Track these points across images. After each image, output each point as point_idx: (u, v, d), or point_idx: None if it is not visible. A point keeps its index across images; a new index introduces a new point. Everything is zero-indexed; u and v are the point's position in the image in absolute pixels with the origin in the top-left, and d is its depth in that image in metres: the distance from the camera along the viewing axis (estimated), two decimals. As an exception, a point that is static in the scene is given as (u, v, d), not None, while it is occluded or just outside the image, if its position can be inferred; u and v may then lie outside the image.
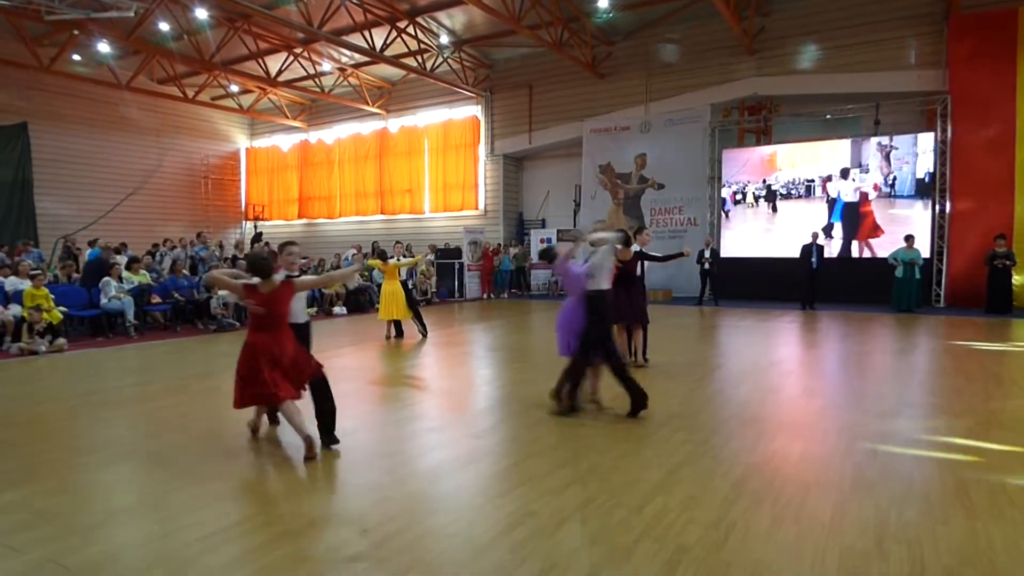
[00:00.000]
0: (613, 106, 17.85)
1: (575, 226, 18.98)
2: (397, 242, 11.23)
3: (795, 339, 9.96)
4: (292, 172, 24.17)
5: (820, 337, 10.11)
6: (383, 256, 10.18)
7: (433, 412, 5.60)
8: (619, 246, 5.78)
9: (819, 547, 2.85)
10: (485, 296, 18.44)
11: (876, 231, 14.60)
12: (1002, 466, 3.90)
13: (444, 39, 17.42)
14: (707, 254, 14.81)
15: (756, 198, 16.04)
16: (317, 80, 19.76)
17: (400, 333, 9.94)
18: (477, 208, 20.54)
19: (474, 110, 20.32)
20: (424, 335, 9.92)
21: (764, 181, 15.92)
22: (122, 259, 12.22)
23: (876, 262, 14.06)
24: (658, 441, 4.46)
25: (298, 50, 17.92)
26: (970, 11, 13.57)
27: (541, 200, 20.26)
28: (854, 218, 14.85)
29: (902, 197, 14.43)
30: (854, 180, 14.82)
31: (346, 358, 8.49)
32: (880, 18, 14.47)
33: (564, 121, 18.59)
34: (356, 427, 5.01)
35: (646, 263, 7.47)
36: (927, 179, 14.06)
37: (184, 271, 12.86)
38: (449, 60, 18.34)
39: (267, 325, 4.18)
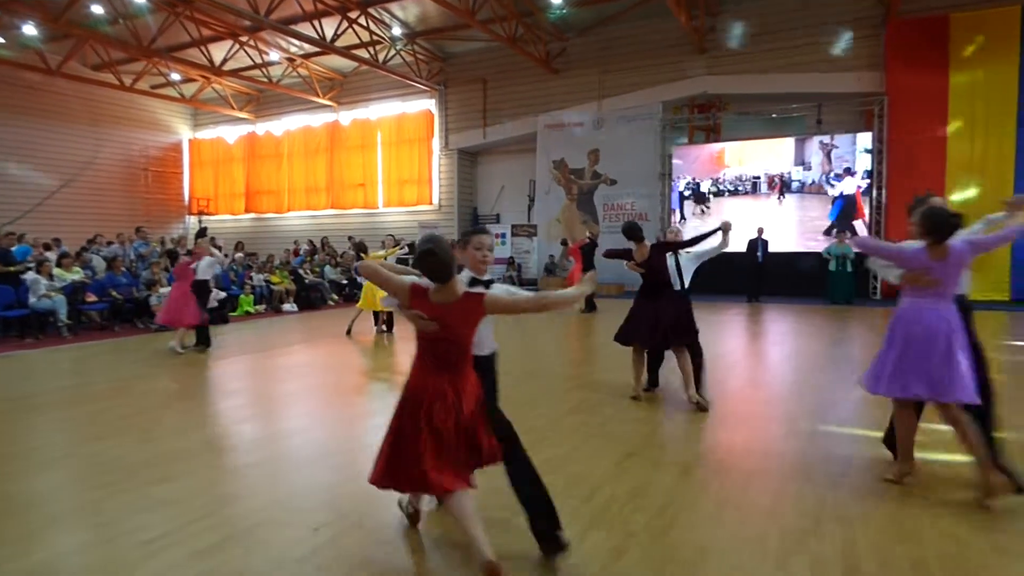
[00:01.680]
0: (567, 102, 17.98)
1: (529, 220, 19.09)
2: (389, 235, 11.18)
3: (741, 331, 10.28)
4: (239, 165, 23.48)
5: (764, 329, 10.46)
6: (363, 249, 10.13)
7: (388, 409, 5.54)
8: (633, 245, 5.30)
9: (760, 529, 2.97)
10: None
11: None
12: (932, 446, 4.13)
13: (397, 31, 17.20)
14: (658, 249, 15.08)
15: (709, 194, 16.43)
16: (265, 70, 19.23)
17: (390, 327, 9.87)
18: (431, 203, 20.41)
19: (428, 104, 20.15)
20: (389, 331, 9.87)
21: (693, 179, 16.31)
22: (53, 255, 11.66)
23: (816, 256, 14.59)
24: (608, 433, 4.54)
25: (244, 38, 17.39)
26: (906, 17, 14.19)
27: (495, 195, 20.27)
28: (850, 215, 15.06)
29: (846, 194, 15.01)
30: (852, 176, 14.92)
31: (297, 355, 8.35)
32: (822, 21, 14.98)
33: (518, 116, 18.63)
34: (308, 425, 4.94)
35: (684, 261, 5.62)
36: (865, 177, 14.68)
37: (123, 268, 12.37)
38: (402, 52, 18.13)
39: (443, 360, 2.68)
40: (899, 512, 3.16)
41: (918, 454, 3.77)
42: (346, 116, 21.24)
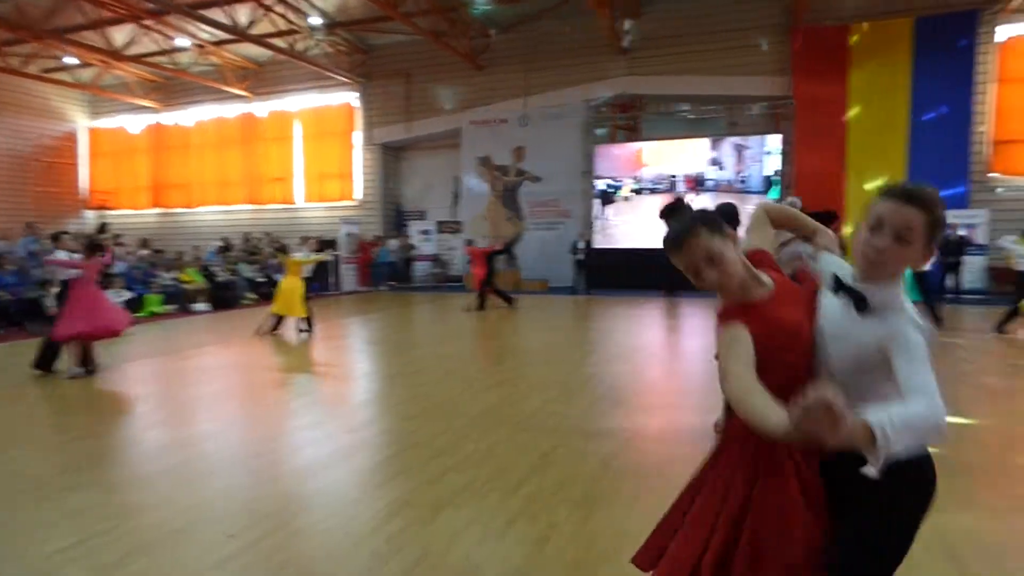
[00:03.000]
0: (492, 98, 18.02)
1: (454, 217, 19.02)
2: (312, 238, 10.54)
3: (659, 325, 10.66)
4: (144, 156, 22.11)
5: (680, 322, 10.89)
6: (284, 250, 9.68)
7: (308, 409, 5.41)
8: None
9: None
10: (362, 289, 17.99)
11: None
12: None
13: (316, 20, 16.68)
14: (580, 245, 15.42)
15: (629, 191, 16.91)
16: (171, 56, 18.19)
17: (275, 328, 9.38)
18: (353, 198, 19.97)
19: (349, 97, 19.68)
20: (309, 332, 9.45)
21: (628, 177, 16.81)
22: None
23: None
24: (532, 425, 4.61)
25: (147, 22, 16.37)
26: (810, 25, 15.10)
27: (420, 191, 20.07)
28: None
29: (752, 193, 15.83)
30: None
31: (211, 356, 7.97)
32: (736, 26, 15.70)
33: (443, 112, 18.51)
34: (222, 428, 4.74)
35: None
36: (774, 177, 15.54)
37: (11, 266, 11.40)
38: (321, 43, 17.61)
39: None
40: (801, 491, 3.37)
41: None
42: (262, 107, 20.43)
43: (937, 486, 1.51)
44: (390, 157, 20.00)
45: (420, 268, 18.79)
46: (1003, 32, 14.20)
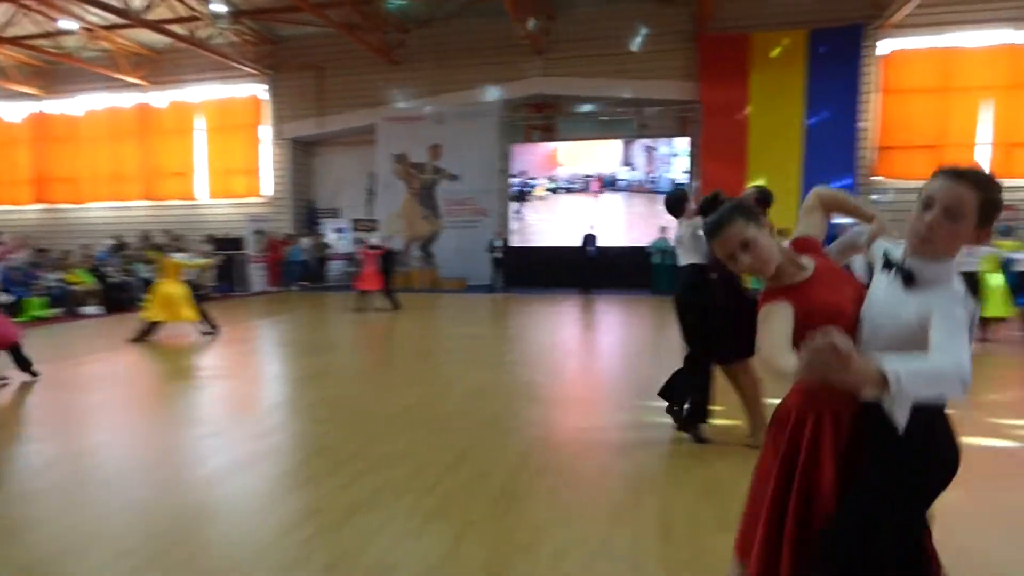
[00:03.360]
0: (408, 95, 17.76)
1: (369, 215, 18.62)
2: (175, 237, 9.70)
3: (575, 322, 10.87)
4: (24, 147, 20.28)
5: (595, 320, 11.16)
6: (160, 249, 8.89)
7: (211, 416, 5.13)
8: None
9: (589, 505, 3.16)
10: (273, 289, 17.29)
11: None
12: (738, 421, 4.66)
13: (219, 7, 15.82)
14: (498, 243, 15.49)
15: (544, 191, 17.12)
16: (56, 40, 16.75)
17: (148, 334, 8.48)
18: (262, 195, 19.14)
19: (257, 89, 18.84)
20: (214, 334, 8.92)
21: (516, 176, 17.05)
22: None
23: (640, 251, 15.83)
24: (451, 425, 4.58)
25: (27, 1, 14.99)
26: (714, 33, 15.84)
27: (333, 188, 19.52)
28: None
29: (662, 193, 16.42)
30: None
31: (104, 362, 7.40)
32: (647, 31, 16.23)
33: (357, 107, 18.06)
34: (116, 439, 4.41)
35: None
36: (684, 177, 16.20)
37: None
38: (226, 31, 16.75)
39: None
40: (707, 475, 3.53)
41: (725, 421, 4.25)
42: (160, 97, 19.21)
43: (954, 470, 1.55)
44: (301, 153, 19.33)
45: (334, 268, 18.25)
46: (885, 46, 15.46)
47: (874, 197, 15.33)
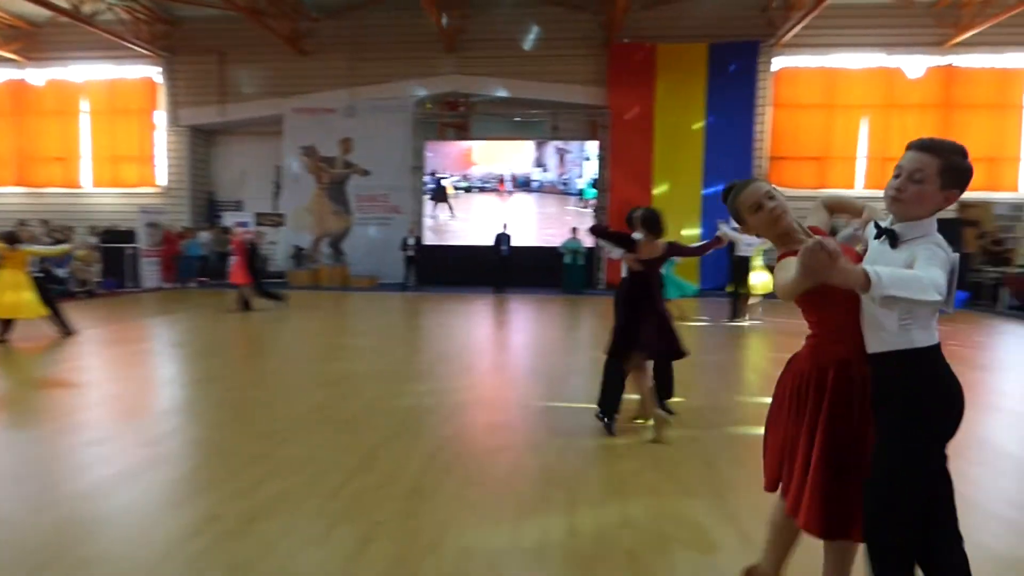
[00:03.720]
0: (317, 86, 17.19)
1: (275, 209, 17.89)
2: (22, 223, 8.61)
3: (487, 321, 10.93)
4: None
5: (508, 318, 11.27)
6: (12, 239, 7.90)
7: (95, 422, 4.74)
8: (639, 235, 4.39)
9: (497, 502, 3.19)
10: (168, 286, 16.23)
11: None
12: (637, 411, 4.85)
13: (107, -19, 14.72)
14: (411, 241, 15.31)
15: (456, 189, 17.08)
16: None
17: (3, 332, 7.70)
18: (156, 185, 17.95)
19: (150, 71, 17.63)
20: (67, 335, 8.12)
21: (432, 174, 16.98)
22: None
23: (552, 250, 16.12)
24: (357, 426, 4.48)
25: None
26: (622, 42, 16.38)
27: (237, 180, 18.59)
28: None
29: (573, 195, 16.83)
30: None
31: (-35, 366, 6.69)
32: (560, 36, 16.55)
33: (263, 96, 17.30)
34: (-22, 451, 4.00)
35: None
36: (592, 180, 16.64)
37: None
38: (115, 7, 15.55)
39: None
40: (610, 472, 3.66)
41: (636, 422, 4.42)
42: (37, 75, 17.59)
43: (959, 409, 1.80)
44: (200, 141, 18.29)
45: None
46: (778, 63, 16.56)
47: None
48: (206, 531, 2.84)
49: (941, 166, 1.70)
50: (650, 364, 4.50)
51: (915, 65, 16.26)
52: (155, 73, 17.61)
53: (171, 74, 17.61)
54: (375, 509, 3.08)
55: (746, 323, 9.86)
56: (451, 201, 17.05)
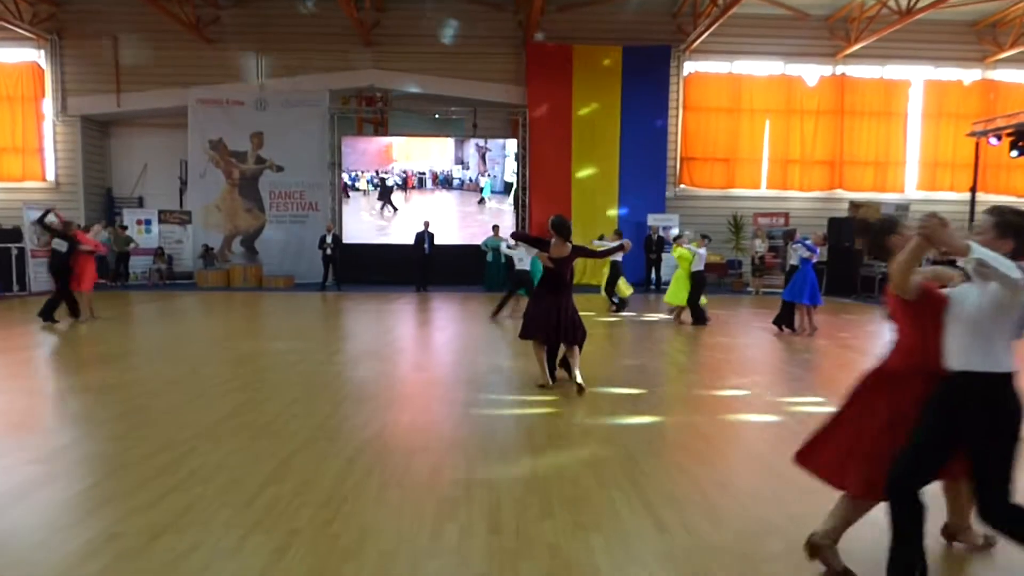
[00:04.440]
0: (224, 77, 16.39)
1: (181, 206, 16.94)
2: None
3: (409, 319, 10.80)
4: None
5: (430, 317, 11.18)
6: None
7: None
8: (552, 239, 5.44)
9: (418, 503, 3.17)
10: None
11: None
12: (562, 410, 4.93)
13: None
14: (329, 239, 14.89)
15: (374, 186, 16.74)
16: None
17: None
18: (45, 179, 16.57)
19: (34, 55, 16.24)
20: None
21: (376, 172, 16.68)
22: None
23: (475, 248, 16.11)
24: (272, 431, 4.32)
25: None
26: (540, 42, 16.57)
27: (137, 175, 17.44)
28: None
29: (495, 193, 16.88)
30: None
31: None
32: (479, 34, 16.53)
33: (164, 85, 16.29)
34: None
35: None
36: (513, 178, 16.75)
37: None
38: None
39: None
40: (535, 467, 3.70)
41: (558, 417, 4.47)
42: (-102, 55, 15.82)
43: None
44: (94, 132, 17.03)
45: (139, 264, 16.27)
46: (688, 67, 17.26)
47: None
48: (105, 550, 2.66)
49: (995, 222, 2.26)
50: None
51: (811, 74, 17.40)
52: (39, 57, 16.24)
53: (58, 59, 16.28)
54: (292, 517, 2.98)
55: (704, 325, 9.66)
56: (393, 200, 16.68)
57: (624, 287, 11.33)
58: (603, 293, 11.56)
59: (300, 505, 3.12)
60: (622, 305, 11.29)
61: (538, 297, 5.58)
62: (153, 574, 2.49)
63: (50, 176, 16.62)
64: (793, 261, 9.10)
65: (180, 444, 4.04)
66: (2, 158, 16.36)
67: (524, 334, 5.60)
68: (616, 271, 11.21)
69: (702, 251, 9.76)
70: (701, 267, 9.74)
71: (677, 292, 9.92)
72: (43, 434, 4.44)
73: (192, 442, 4.07)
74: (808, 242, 8.90)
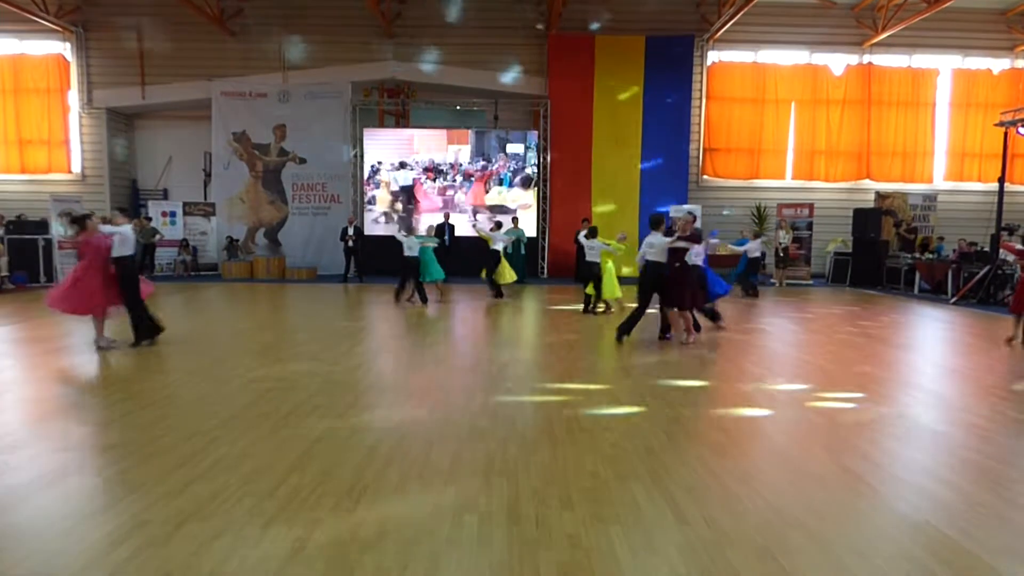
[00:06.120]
0: (247, 69, 16.52)
1: (205, 198, 17.14)
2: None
3: (430, 310, 10.81)
4: None
5: (450, 308, 11.19)
6: None
7: (5, 427, 4.42)
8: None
9: (438, 493, 3.17)
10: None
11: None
12: (577, 402, 4.91)
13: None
14: (351, 232, 14.96)
15: (395, 180, 16.76)
16: None
17: None
18: (71, 171, 16.87)
19: (60, 48, 16.49)
20: None
21: (398, 164, 16.70)
22: None
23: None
24: (294, 421, 4.36)
25: None
26: (563, 33, 16.43)
27: (161, 167, 17.68)
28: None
29: (514, 186, 16.81)
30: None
31: None
32: (500, 25, 16.44)
33: (189, 78, 16.46)
34: None
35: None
36: (534, 169, 16.67)
37: None
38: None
39: None
40: (552, 460, 3.69)
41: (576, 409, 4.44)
42: (-69, 48, 16.16)
43: None
44: (120, 125, 17.27)
45: (164, 256, 16.51)
46: (712, 56, 17.00)
47: (725, 212, 16.91)
48: (131, 539, 2.70)
49: None
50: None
51: (838, 63, 17.04)
52: (65, 50, 16.49)
53: (84, 51, 16.53)
54: (314, 507, 3.01)
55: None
56: (414, 192, 16.70)
57: (508, 273, 12.02)
58: (484, 277, 12.17)
59: (322, 494, 3.14)
60: (500, 293, 11.97)
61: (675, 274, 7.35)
62: (179, 562, 2.52)
63: (76, 168, 16.91)
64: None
65: (205, 433, 4.09)
66: (29, 150, 16.67)
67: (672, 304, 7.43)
68: (498, 258, 11.99)
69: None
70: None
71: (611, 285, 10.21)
72: (68, 424, 4.52)
73: (216, 431, 4.12)
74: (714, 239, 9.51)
